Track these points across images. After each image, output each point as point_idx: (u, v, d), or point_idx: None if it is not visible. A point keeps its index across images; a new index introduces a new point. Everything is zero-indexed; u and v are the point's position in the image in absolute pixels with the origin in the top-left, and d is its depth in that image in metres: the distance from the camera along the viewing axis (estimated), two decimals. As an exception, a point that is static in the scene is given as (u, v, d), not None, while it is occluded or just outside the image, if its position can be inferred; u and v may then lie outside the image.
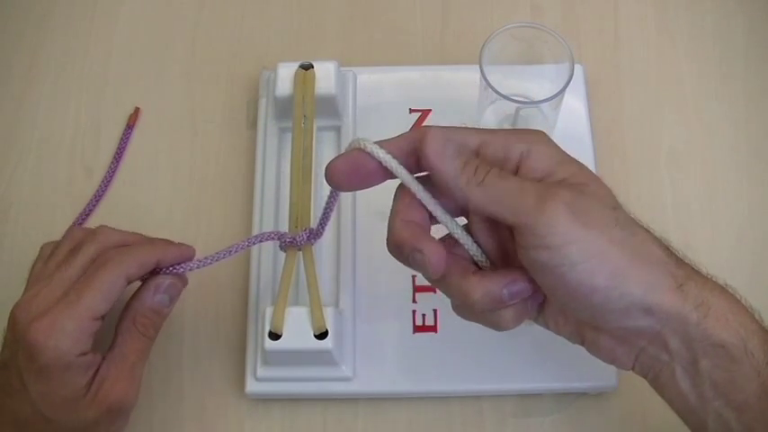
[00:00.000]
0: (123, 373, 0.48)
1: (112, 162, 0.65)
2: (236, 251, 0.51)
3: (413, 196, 0.42)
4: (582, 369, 0.55)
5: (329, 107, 0.60)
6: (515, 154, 0.41)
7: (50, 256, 0.50)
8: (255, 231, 0.59)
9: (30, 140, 0.66)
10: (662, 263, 0.40)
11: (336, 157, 0.43)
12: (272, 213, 0.59)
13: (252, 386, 0.55)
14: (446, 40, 0.69)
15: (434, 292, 0.57)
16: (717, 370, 0.40)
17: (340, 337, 0.54)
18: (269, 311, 0.53)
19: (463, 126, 0.43)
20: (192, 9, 0.71)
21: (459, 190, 0.40)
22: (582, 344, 0.44)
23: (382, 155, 0.41)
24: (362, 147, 0.41)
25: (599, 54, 0.68)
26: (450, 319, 0.56)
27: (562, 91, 0.56)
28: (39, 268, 0.50)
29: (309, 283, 0.53)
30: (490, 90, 0.56)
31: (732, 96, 0.67)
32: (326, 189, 0.60)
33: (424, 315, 0.57)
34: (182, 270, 0.50)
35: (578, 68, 0.62)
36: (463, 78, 0.63)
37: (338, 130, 0.62)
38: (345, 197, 0.60)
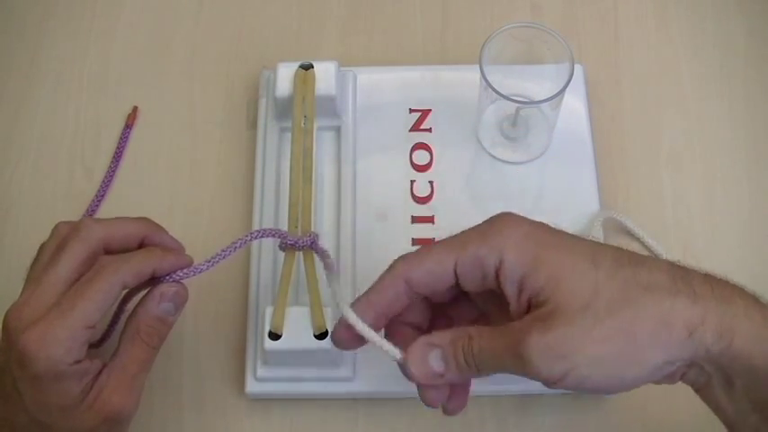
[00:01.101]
0: (123, 383, 0.47)
1: (112, 162, 0.65)
2: (238, 247, 0.50)
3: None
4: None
5: (329, 107, 0.60)
6: (490, 268, 0.43)
7: (38, 257, 0.49)
8: (256, 232, 0.59)
9: (30, 140, 0.66)
10: (668, 321, 0.40)
11: (334, 331, 0.46)
12: (272, 213, 0.59)
13: (252, 386, 0.55)
14: (446, 40, 0.69)
15: None
16: (751, 390, 0.41)
17: (340, 337, 0.54)
18: (269, 311, 0.53)
19: (434, 248, 0.44)
20: (192, 9, 0.71)
21: (468, 379, 0.45)
22: None
23: (359, 326, 0.44)
24: (347, 318, 0.45)
25: (599, 54, 0.68)
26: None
27: (562, 91, 0.56)
28: (33, 270, 0.49)
29: (309, 282, 0.53)
30: (490, 90, 0.56)
31: (732, 96, 0.67)
32: (326, 189, 0.61)
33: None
34: (183, 277, 0.48)
35: (578, 68, 0.62)
36: (463, 78, 0.63)
37: (338, 130, 0.62)
38: (346, 196, 0.60)
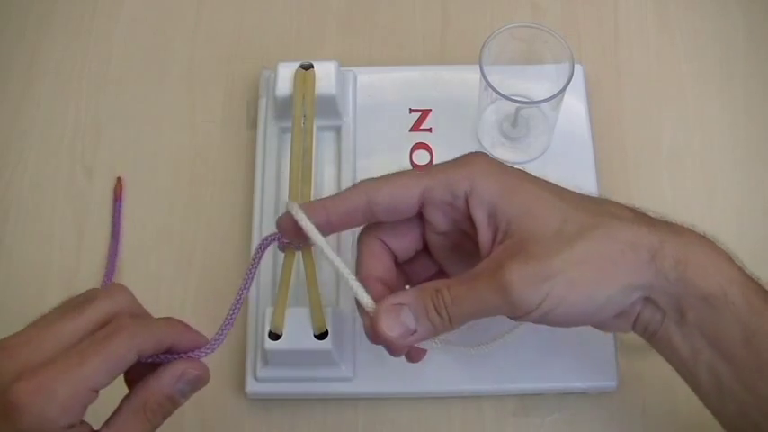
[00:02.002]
0: None
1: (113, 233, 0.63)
2: (247, 283, 0.47)
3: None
4: (582, 369, 0.55)
5: (329, 107, 0.60)
6: (460, 193, 0.44)
7: (56, 307, 0.42)
8: (255, 231, 0.59)
9: (30, 140, 0.66)
10: (632, 243, 0.42)
11: (278, 219, 0.46)
12: (272, 213, 0.59)
13: (252, 386, 0.55)
14: (446, 40, 0.69)
15: None
16: (703, 321, 0.42)
17: (340, 338, 0.54)
18: (269, 311, 0.53)
19: (402, 174, 0.45)
20: (192, 9, 0.71)
21: (440, 334, 0.44)
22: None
23: (307, 226, 0.44)
24: (291, 211, 0.45)
25: (599, 54, 0.68)
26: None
27: (562, 91, 0.56)
28: (48, 314, 0.42)
29: (309, 283, 0.53)
30: (490, 90, 0.56)
31: (732, 96, 0.67)
32: (326, 189, 0.61)
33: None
34: (202, 355, 0.44)
35: (578, 68, 0.62)
36: (463, 78, 0.63)
37: (338, 130, 0.62)
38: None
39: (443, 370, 0.55)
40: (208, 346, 0.44)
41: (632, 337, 0.55)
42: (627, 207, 0.45)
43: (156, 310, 0.59)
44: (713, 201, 0.63)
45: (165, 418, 0.43)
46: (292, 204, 0.45)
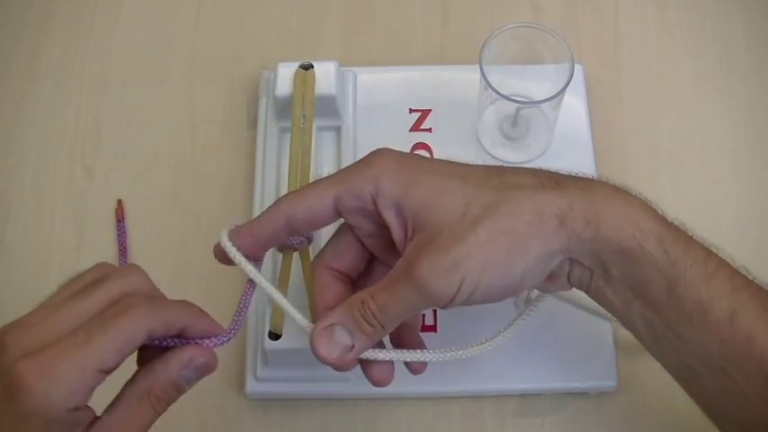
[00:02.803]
0: None
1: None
2: (252, 286, 0.47)
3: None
4: (582, 369, 0.55)
5: (329, 107, 0.60)
6: (367, 197, 0.44)
7: (67, 284, 0.41)
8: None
9: (30, 140, 0.66)
10: (539, 213, 0.42)
11: (214, 248, 0.46)
12: (272, 213, 0.59)
13: (252, 386, 0.55)
14: (446, 40, 0.69)
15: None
16: (626, 275, 0.42)
17: (340, 337, 0.54)
18: (268, 311, 0.53)
19: (314, 185, 0.46)
20: (192, 9, 0.71)
21: (378, 340, 0.44)
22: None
23: (236, 257, 0.45)
24: (220, 242, 0.45)
25: (599, 54, 0.68)
26: (449, 320, 0.56)
27: (562, 91, 0.56)
28: (55, 295, 0.41)
29: (308, 283, 0.53)
30: (490, 90, 0.56)
31: (732, 96, 0.67)
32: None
33: (423, 315, 0.57)
34: (217, 343, 0.42)
35: (578, 68, 0.62)
36: (463, 78, 0.63)
37: (338, 130, 0.62)
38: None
39: (443, 370, 0.55)
40: (224, 335, 0.43)
41: (632, 337, 0.55)
42: (531, 173, 0.45)
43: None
44: (713, 201, 0.63)
45: (168, 404, 0.42)
46: (222, 235, 0.45)
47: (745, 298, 0.42)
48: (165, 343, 0.41)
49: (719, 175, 0.64)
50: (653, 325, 0.43)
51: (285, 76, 0.60)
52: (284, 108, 0.60)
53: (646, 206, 0.43)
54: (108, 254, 0.62)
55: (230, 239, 0.45)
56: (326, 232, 0.59)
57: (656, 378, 0.55)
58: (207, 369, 0.42)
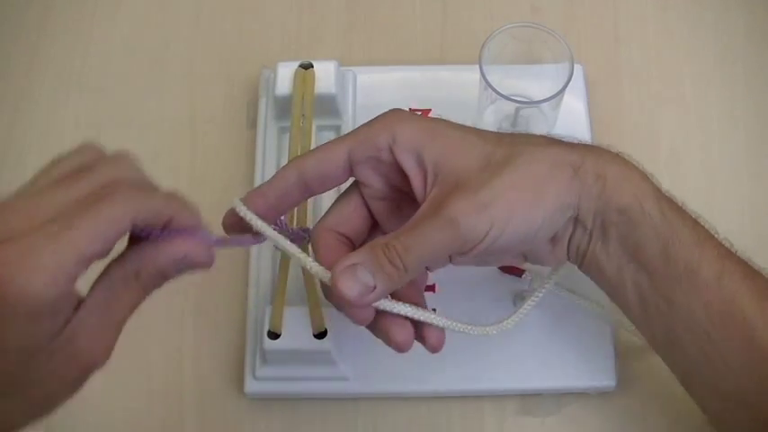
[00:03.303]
0: (107, 330, 0.37)
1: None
2: (256, 239, 0.46)
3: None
4: (581, 369, 0.55)
5: (329, 106, 0.60)
6: (383, 144, 0.45)
7: (47, 169, 0.38)
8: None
9: (30, 140, 0.66)
10: (556, 162, 0.44)
11: (223, 217, 0.46)
12: (272, 213, 0.59)
13: (251, 386, 0.55)
14: (446, 40, 0.69)
15: (433, 291, 0.57)
16: (623, 235, 0.45)
17: (339, 337, 0.54)
18: (268, 311, 0.53)
19: (327, 142, 0.46)
20: (192, 9, 0.71)
21: (399, 285, 0.43)
22: (526, 261, 0.48)
23: (249, 217, 0.44)
24: (236, 210, 0.45)
25: (599, 54, 0.68)
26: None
27: (562, 91, 0.56)
28: (34, 180, 0.38)
29: (307, 282, 0.53)
30: (490, 90, 0.56)
31: (732, 96, 0.67)
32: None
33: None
34: (202, 240, 0.40)
35: (578, 68, 0.62)
36: (463, 78, 0.63)
37: (338, 129, 0.62)
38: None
39: (443, 370, 0.55)
40: (209, 238, 0.40)
41: (631, 337, 0.55)
42: (540, 135, 0.47)
43: (156, 309, 0.59)
44: (713, 201, 0.63)
45: (156, 288, 0.40)
46: (235, 201, 0.45)
47: (730, 265, 0.44)
48: (152, 234, 0.38)
49: (719, 174, 0.64)
50: (643, 290, 0.45)
51: (285, 75, 0.60)
52: (284, 108, 0.60)
53: (643, 172, 0.45)
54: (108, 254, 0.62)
55: (243, 204, 0.45)
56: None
57: (655, 378, 0.55)
58: (199, 260, 0.40)
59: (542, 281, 0.50)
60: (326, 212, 0.48)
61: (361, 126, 0.46)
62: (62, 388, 0.37)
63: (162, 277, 0.39)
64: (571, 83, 0.55)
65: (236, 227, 0.45)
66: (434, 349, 0.45)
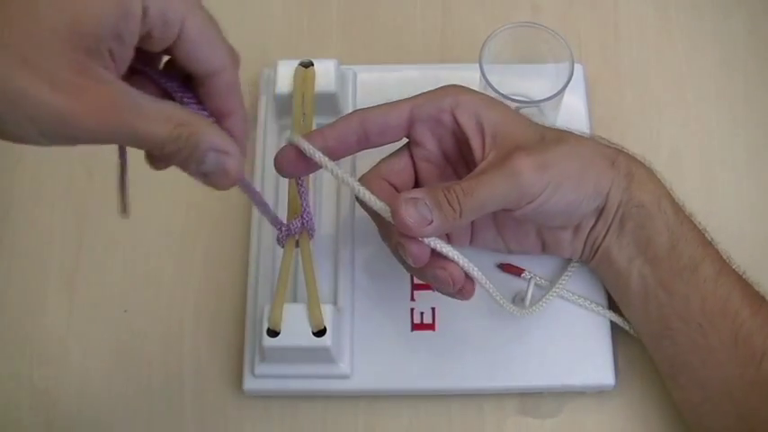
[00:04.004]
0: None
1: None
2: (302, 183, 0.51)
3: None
4: (580, 368, 0.55)
5: (329, 105, 0.60)
6: (446, 106, 0.49)
7: None
8: (255, 231, 0.59)
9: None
10: (597, 151, 0.50)
11: (278, 153, 0.48)
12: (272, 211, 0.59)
13: (250, 383, 0.55)
14: (446, 40, 0.69)
15: (433, 290, 0.57)
16: (637, 229, 0.50)
17: (338, 335, 0.54)
18: (267, 308, 0.53)
19: (386, 104, 0.50)
20: (193, 9, 0.71)
21: (455, 228, 0.47)
22: (543, 251, 0.54)
23: (311, 150, 0.47)
24: (295, 143, 0.47)
25: (599, 54, 0.68)
26: (448, 318, 0.56)
27: (562, 91, 0.56)
28: None
29: (307, 279, 0.53)
30: (490, 90, 0.56)
31: (732, 96, 0.67)
32: (326, 189, 0.61)
33: (422, 313, 0.57)
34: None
35: (578, 68, 0.62)
36: (463, 78, 0.62)
37: (338, 128, 0.62)
38: (345, 194, 0.60)
39: (443, 368, 0.55)
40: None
41: (631, 336, 0.55)
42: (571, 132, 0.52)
43: (157, 309, 0.60)
44: (713, 201, 0.63)
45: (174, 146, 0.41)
46: (295, 136, 0.47)
47: (727, 268, 0.50)
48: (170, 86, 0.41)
49: (719, 175, 0.64)
50: (647, 282, 0.50)
51: (285, 74, 0.60)
52: (284, 106, 0.60)
53: (660, 179, 0.52)
54: (108, 253, 0.62)
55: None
56: (329, 223, 0.59)
57: (654, 377, 0.55)
58: (227, 176, 0.40)
59: (566, 267, 0.55)
60: (376, 165, 0.51)
61: (422, 93, 0.50)
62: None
63: (194, 146, 0.40)
64: (571, 83, 0.55)
65: (292, 163, 0.48)
66: (467, 296, 0.49)
